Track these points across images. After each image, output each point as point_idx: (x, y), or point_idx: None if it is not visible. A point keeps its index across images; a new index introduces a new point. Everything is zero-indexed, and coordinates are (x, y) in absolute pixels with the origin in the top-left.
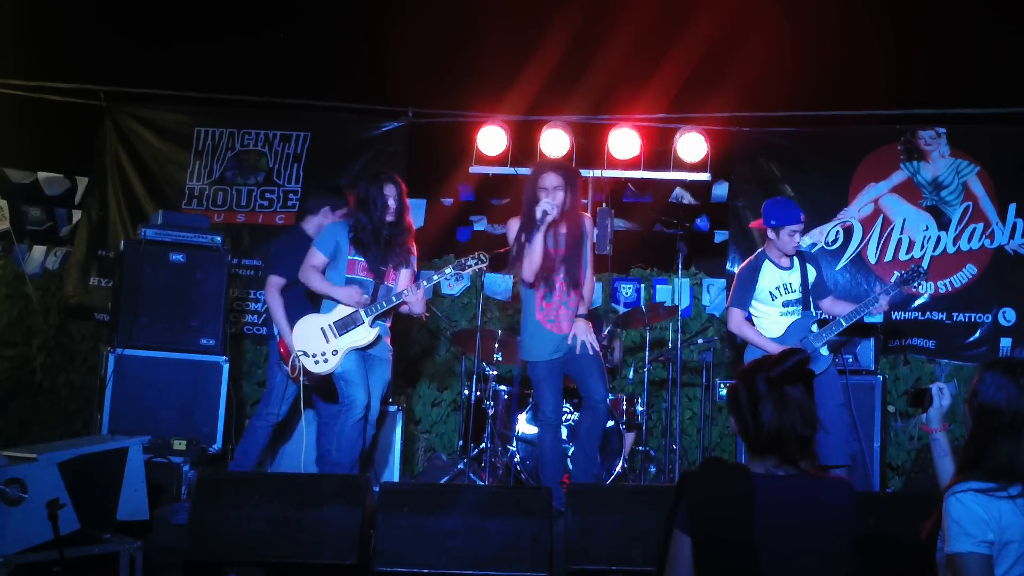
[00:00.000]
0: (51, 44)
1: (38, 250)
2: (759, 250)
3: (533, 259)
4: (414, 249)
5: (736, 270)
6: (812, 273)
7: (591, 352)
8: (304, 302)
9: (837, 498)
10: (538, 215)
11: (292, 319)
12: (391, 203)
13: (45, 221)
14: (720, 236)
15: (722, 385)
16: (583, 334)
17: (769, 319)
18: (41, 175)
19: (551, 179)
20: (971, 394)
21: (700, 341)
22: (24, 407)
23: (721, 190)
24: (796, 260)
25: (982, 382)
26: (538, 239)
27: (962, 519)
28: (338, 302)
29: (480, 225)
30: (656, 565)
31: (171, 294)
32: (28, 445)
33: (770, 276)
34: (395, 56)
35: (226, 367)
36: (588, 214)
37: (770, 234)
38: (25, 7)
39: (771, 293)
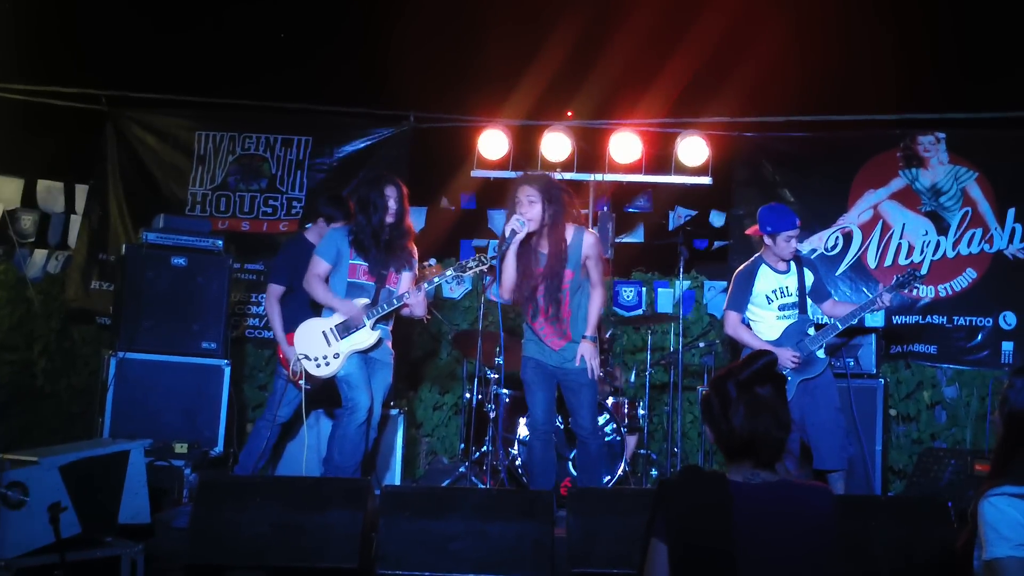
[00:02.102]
0: (53, 49)
1: (39, 254)
2: (756, 255)
3: (503, 278)
4: (415, 252)
5: (735, 275)
6: (810, 277)
7: (589, 377)
8: (308, 308)
9: (816, 505)
10: (507, 232)
11: (296, 325)
12: (391, 205)
13: (35, 233)
14: (719, 244)
15: (704, 390)
16: (590, 357)
17: (765, 323)
18: (41, 184)
19: (526, 192)
20: (1001, 400)
21: (701, 345)
22: (26, 411)
23: (719, 219)
24: (793, 264)
25: (1012, 388)
26: (508, 257)
27: (998, 523)
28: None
29: (481, 241)
30: (637, 572)
31: (172, 298)
32: (29, 449)
33: (766, 280)
34: (396, 60)
35: (227, 371)
36: (591, 230)
37: (767, 240)
38: (27, 12)
39: (767, 297)
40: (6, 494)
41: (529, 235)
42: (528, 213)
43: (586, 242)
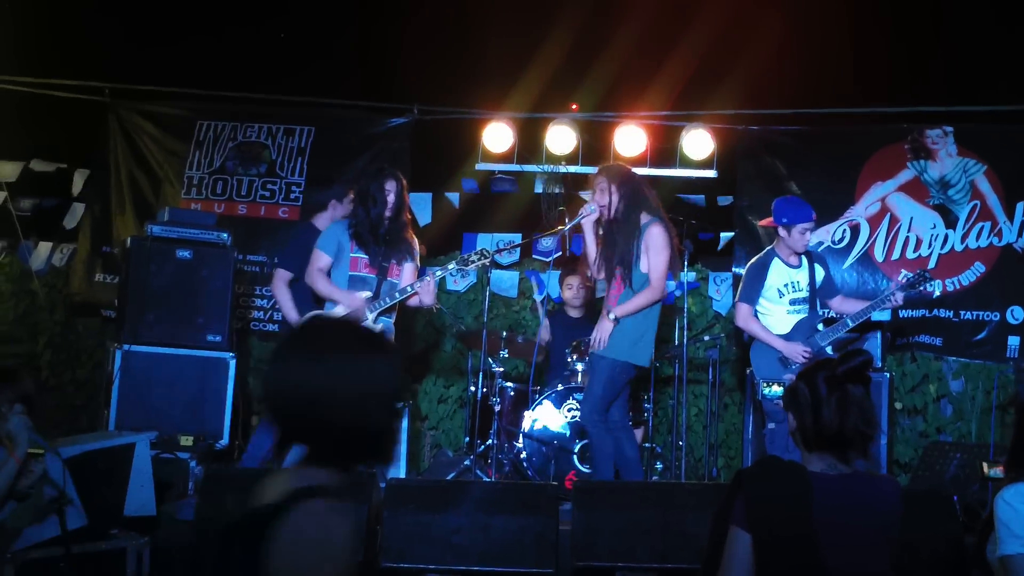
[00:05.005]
0: (56, 41)
1: (44, 246)
2: (768, 247)
3: (585, 256)
4: (416, 243)
5: (744, 267)
6: (820, 273)
7: (594, 349)
8: (312, 300)
9: (887, 496)
10: (579, 216)
11: (302, 314)
12: (390, 198)
13: (39, 211)
14: (725, 238)
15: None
16: (600, 329)
17: (776, 316)
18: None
19: (598, 181)
20: (1014, 392)
21: (706, 338)
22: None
23: (726, 200)
24: (804, 259)
25: (1022, 381)
26: (586, 239)
27: (1011, 521)
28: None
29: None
30: (704, 563)
31: (177, 291)
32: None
33: (778, 274)
34: (400, 53)
35: (232, 363)
36: (659, 222)
37: (781, 232)
38: (30, 4)
39: (779, 290)
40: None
41: (610, 221)
42: (600, 200)
43: (646, 232)
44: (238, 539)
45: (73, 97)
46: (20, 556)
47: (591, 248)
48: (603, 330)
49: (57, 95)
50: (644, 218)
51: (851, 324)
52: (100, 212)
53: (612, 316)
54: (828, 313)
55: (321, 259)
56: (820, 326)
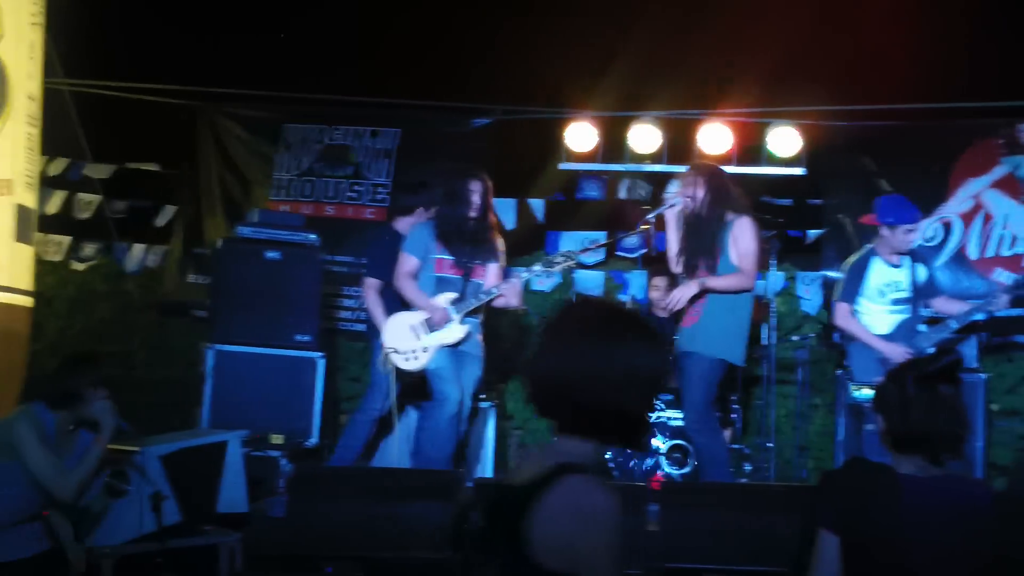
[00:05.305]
0: (146, 46)
1: (138, 248)
2: (868, 246)
3: (667, 249)
4: (500, 244)
5: (834, 266)
6: (922, 272)
7: (666, 308)
8: (399, 302)
9: (977, 499)
10: (664, 206)
11: None
12: (475, 199)
13: (133, 212)
14: (813, 235)
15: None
16: (678, 290)
17: (877, 316)
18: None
19: (686, 177)
20: None
21: (795, 338)
22: (124, 402)
23: (814, 199)
24: (906, 258)
25: None
26: (668, 231)
27: None
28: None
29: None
30: (793, 565)
31: (266, 291)
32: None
33: (879, 273)
34: (483, 53)
35: (322, 363)
36: (746, 218)
37: (884, 231)
38: (120, 10)
39: (880, 290)
40: (110, 483)
41: (694, 215)
42: (685, 193)
43: (733, 225)
44: (500, 515)
45: (164, 101)
46: (118, 551)
47: (672, 241)
48: (685, 291)
49: (147, 99)
50: (729, 215)
51: (955, 325)
52: (191, 214)
53: (700, 282)
54: (932, 313)
55: (408, 262)
56: (923, 327)
